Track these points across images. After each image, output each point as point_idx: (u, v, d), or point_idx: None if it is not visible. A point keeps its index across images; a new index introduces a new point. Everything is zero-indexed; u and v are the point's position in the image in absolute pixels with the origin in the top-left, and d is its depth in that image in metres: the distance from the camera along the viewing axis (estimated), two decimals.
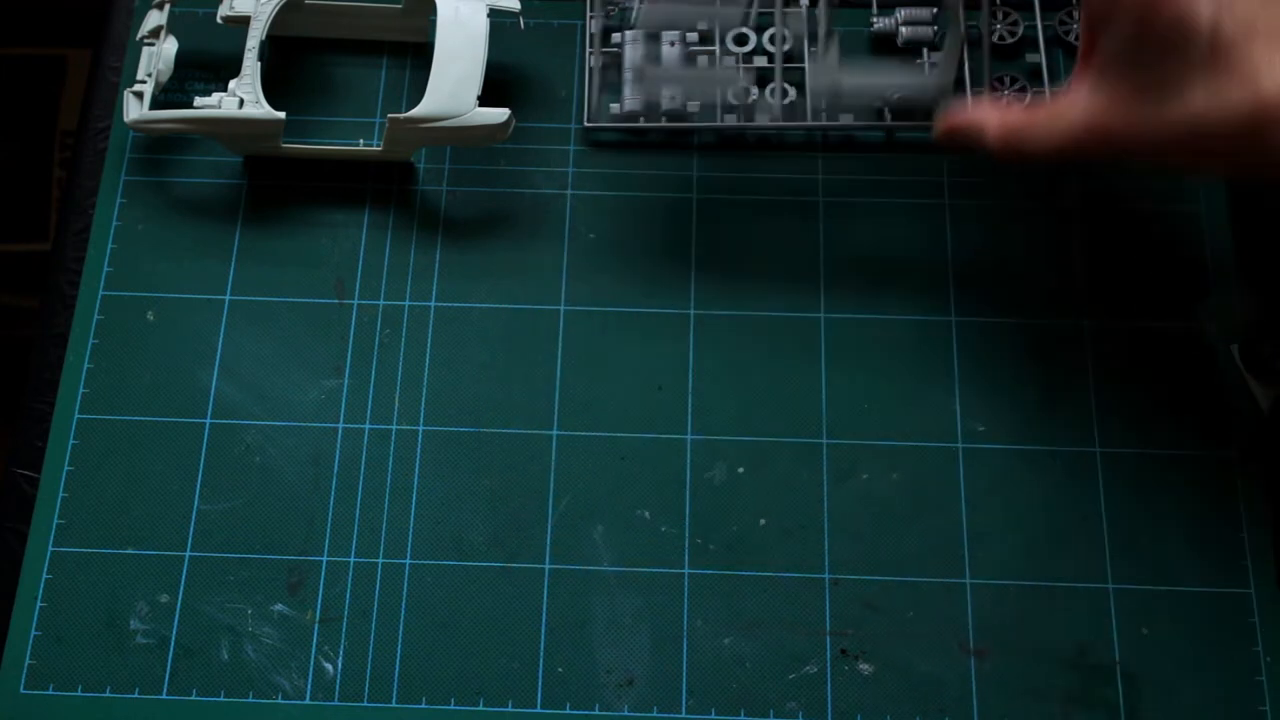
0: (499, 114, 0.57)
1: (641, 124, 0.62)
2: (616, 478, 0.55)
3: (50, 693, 0.52)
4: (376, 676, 0.52)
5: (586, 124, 0.62)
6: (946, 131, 0.53)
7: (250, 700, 0.52)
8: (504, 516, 0.54)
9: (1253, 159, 0.43)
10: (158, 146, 0.62)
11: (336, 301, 0.58)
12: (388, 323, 0.58)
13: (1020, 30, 0.63)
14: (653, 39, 0.63)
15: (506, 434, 0.56)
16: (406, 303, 0.58)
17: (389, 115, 0.57)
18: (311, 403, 0.56)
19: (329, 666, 0.52)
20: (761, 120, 0.62)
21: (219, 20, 0.60)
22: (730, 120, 0.62)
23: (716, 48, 0.63)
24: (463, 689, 0.52)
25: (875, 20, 0.63)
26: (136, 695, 0.52)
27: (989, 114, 0.50)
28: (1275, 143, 0.41)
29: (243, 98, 0.58)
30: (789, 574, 0.52)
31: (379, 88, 0.63)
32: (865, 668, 0.52)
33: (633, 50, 0.62)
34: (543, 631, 0.53)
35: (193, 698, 0.52)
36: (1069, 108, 0.47)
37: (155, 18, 0.60)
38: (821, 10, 0.60)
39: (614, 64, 0.62)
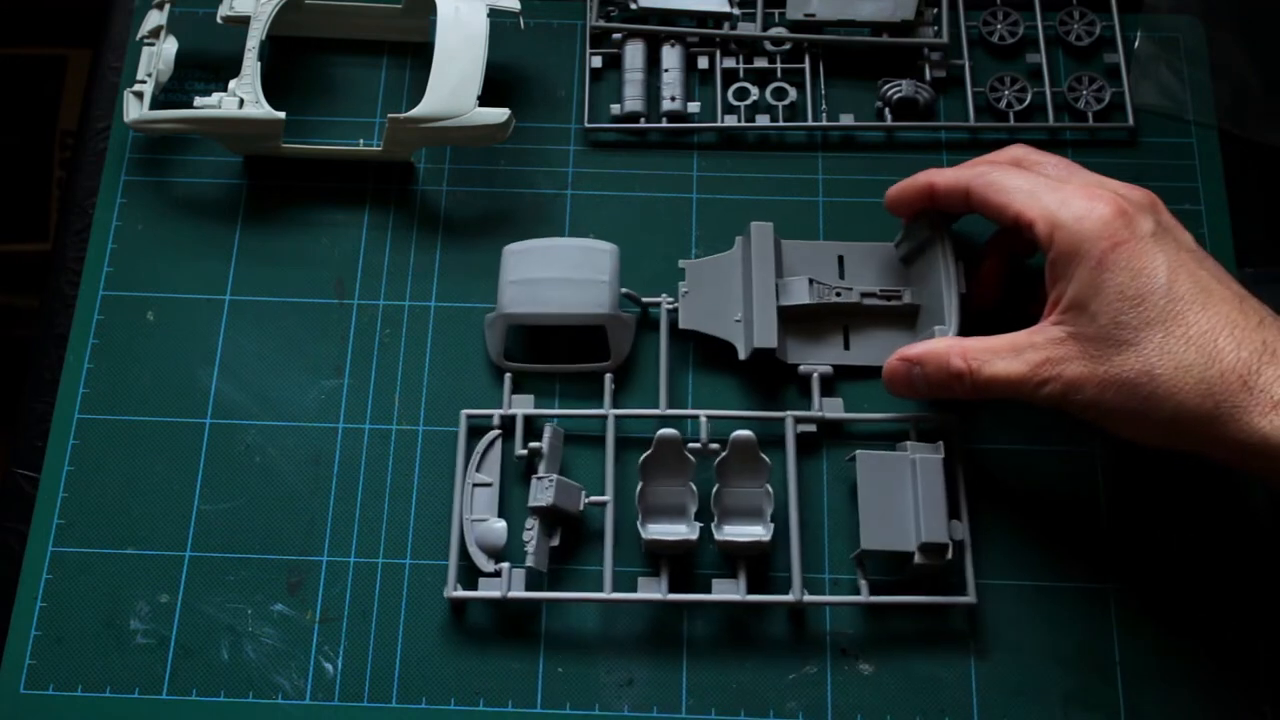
0: (499, 114, 0.57)
1: (641, 124, 0.62)
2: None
3: (50, 693, 0.52)
4: (376, 676, 0.52)
5: (586, 124, 0.62)
6: (898, 361, 0.52)
7: (250, 700, 0.52)
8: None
9: (1201, 430, 0.44)
10: (158, 146, 0.62)
11: (336, 301, 0.58)
12: (388, 323, 0.58)
13: (1020, 30, 0.63)
14: (652, 39, 0.63)
15: None
16: (406, 303, 0.58)
17: (389, 115, 0.57)
18: (311, 403, 0.57)
19: (329, 666, 0.52)
20: (761, 120, 0.62)
21: (219, 20, 0.60)
22: (730, 120, 0.62)
23: (716, 49, 0.63)
24: (463, 689, 0.52)
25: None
26: (136, 695, 0.52)
27: (943, 348, 0.50)
28: (1228, 416, 0.44)
29: (243, 98, 0.58)
30: (786, 574, 0.52)
31: (379, 88, 0.63)
32: (865, 668, 0.52)
33: (633, 51, 0.62)
34: (542, 631, 0.53)
35: (193, 698, 0.52)
36: (1028, 344, 0.48)
37: (155, 18, 0.60)
38: None
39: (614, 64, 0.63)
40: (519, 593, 0.52)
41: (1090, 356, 0.46)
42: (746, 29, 0.63)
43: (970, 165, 0.53)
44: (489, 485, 0.54)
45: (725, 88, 0.62)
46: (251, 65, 0.58)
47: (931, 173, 0.53)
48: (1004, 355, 0.48)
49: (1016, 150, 0.53)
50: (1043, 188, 0.49)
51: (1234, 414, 0.44)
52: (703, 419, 0.54)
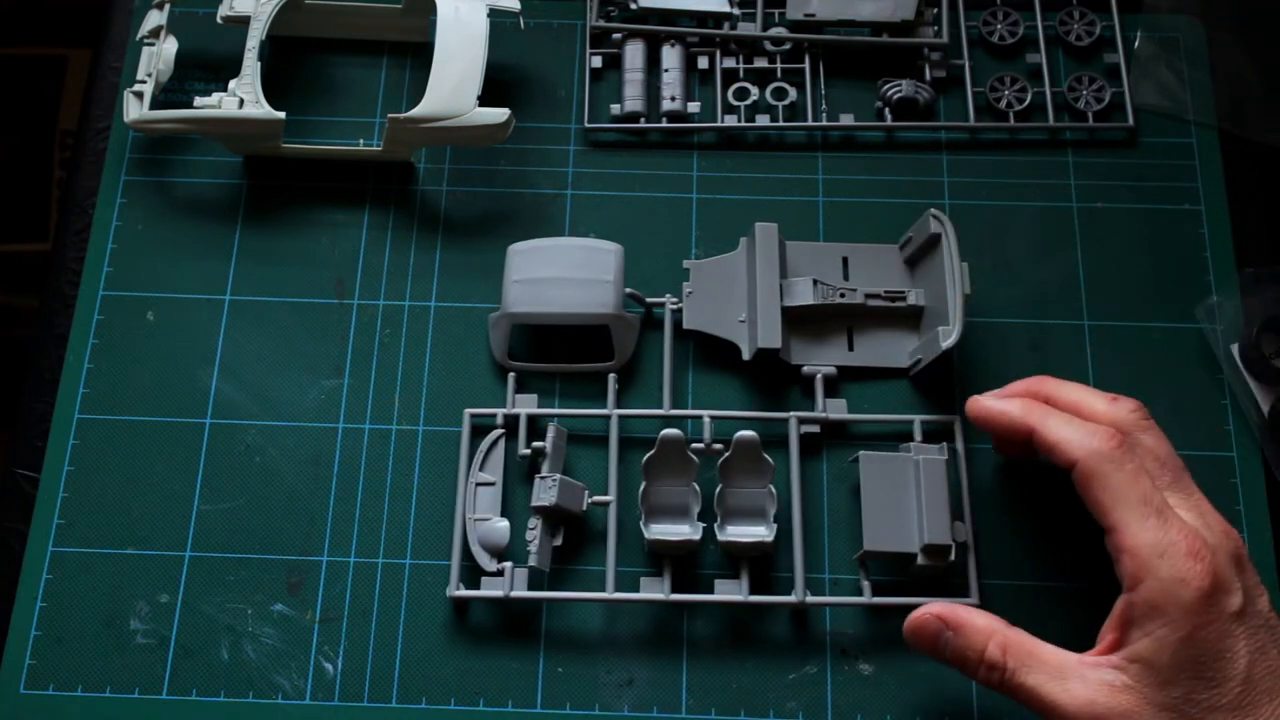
0: (499, 114, 0.57)
1: (641, 124, 0.62)
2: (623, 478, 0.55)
3: (50, 693, 0.52)
4: (376, 676, 0.52)
5: (586, 124, 0.62)
6: (931, 617, 0.48)
7: (250, 700, 0.51)
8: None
9: None
10: (158, 146, 0.61)
11: (336, 301, 0.58)
12: (388, 323, 0.58)
13: (1020, 30, 0.63)
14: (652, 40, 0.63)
15: None
16: (406, 303, 0.58)
17: (389, 115, 0.57)
18: (311, 403, 0.56)
19: (329, 666, 0.52)
20: (761, 120, 0.62)
21: (219, 20, 0.60)
22: (730, 120, 0.62)
23: (716, 49, 0.63)
24: (463, 689, 0.52)
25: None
26: (136, 695, 0.52)
27: (985, 627, 0.47)
28: None
29: (243, 98, 0.58)
30: (789, 574, 0.52)
31: (379, 88, 0.63)
32: (865, 668, 0.52)
33: (633, 51, 0.62)
34: (542, 631, 0.53)
35: (193, 698, 0.52)
36: (1078, 674, 0.45)
37: (155, 18, 0.60)
38: None
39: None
40: (522, 592, 0.52)
41: (1152, 711, 0.44)
42: (746, 29, 0.63)
43: (1082, 427, 0.47)
44: (492, 484, 0.54)
45: (725, 88, 0.62)
46: (251, 65, 0.58)
47: (1035, 413, 0.48)
48: (1048, 671, 0.45)
49: (1124, 411, 0.48)
50: (1152, 507, 0.45)
51: None
52: (706, 419, 0.54)
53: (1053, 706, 0.45)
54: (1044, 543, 0.54)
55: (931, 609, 0.48)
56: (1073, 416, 0.48)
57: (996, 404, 0.50)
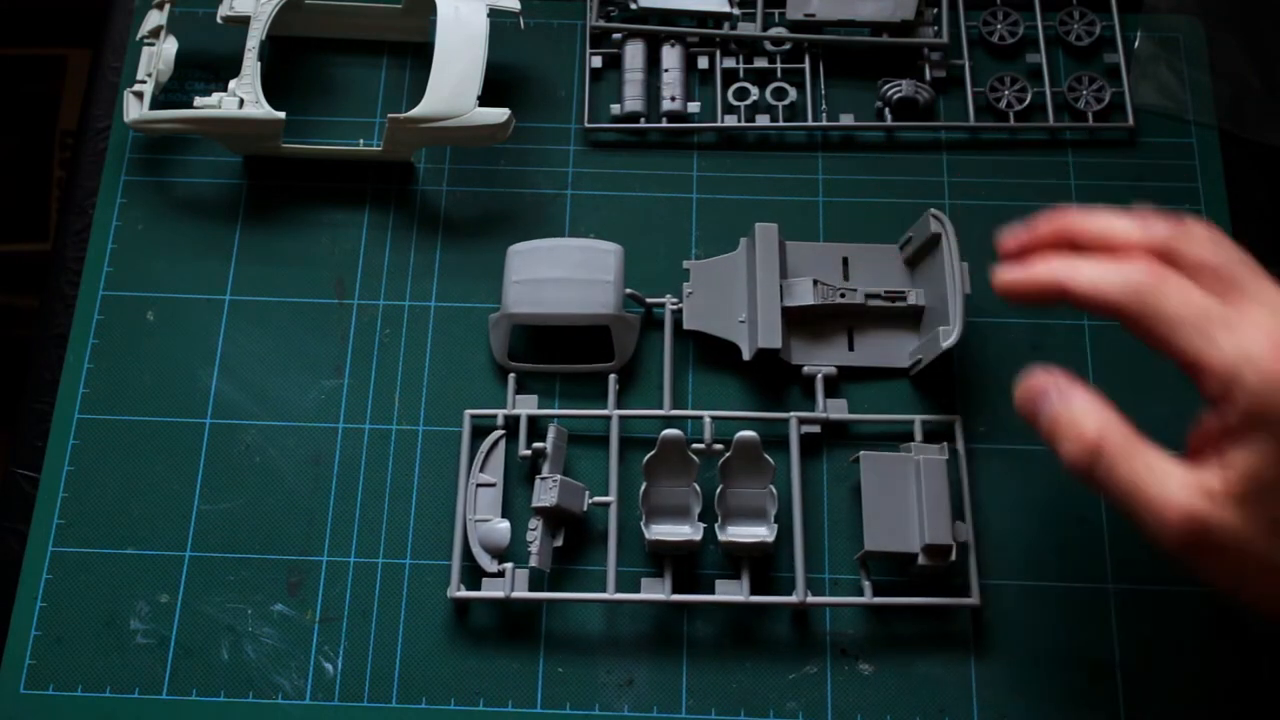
0: (499, 114, 0.57)
1: (641, 124, 0.62)
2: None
3: (50, 693, 0.52)
4: (376, 676, 0.52)
5: (586, 124, 0.62)
6: (1027, 388, 0.45)
7: (250, 700, 0.51)
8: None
9: None
10: (158, 146, 0.61)
11: (336, 301, 0.58)
12: (388, 323, 0.58)
13: (1020, 30, 0.63)
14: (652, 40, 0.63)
15: None
16: (406, 303, 0.58)
17: (389, 115, 0.57)
18: (311, 403, 0.56)
19: (329, 666, 0.52)
20: (761, 120, 0.62)
21: (219, 20, 0.60)
22: (730, 120, 0.62)
23: (716, 49, 0.63)
24: (463, 689, 0.52)
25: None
26: (136, 695, 0.52)
27: (1094, 406, 0.43)
28: None
29: (243, 98, 0.58)
30: (789, 574, 0.52)
31: (379, 88, 0.63)
32: (865, 668, 0.52)
33: (633, 51, 0.62)
34: (542, 631, 0.53)
35: (193, 698, 0.52)
36: (1178, 480, 0.40)
37: (155, 18, 0.60)
38: None
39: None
40: (523, 593, 0.52)
41: (1259, 538, 0.39)
42: (746, 29, 0.63)
43: (1113, 260, 0.44)
44: (492, 485, 0.54)
45: (725, 88, 0.62)
46: (251, 65, 0.58)
47: (1061, 268, 0.44)
48: (1151, 467, 0.41)
49: (1161, 230, 0.44)
50: (1215, 320, 0.40)
51: None
52: (706, 420, 0.54)
53: (1148, 504, 0.40)
54: (1044, 543, 0.54)
55: (1044, 376, 0.44)
56: (1101, 258, 0.44)
57: (1023, 275, 0.45)
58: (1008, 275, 0.46)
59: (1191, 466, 0.41)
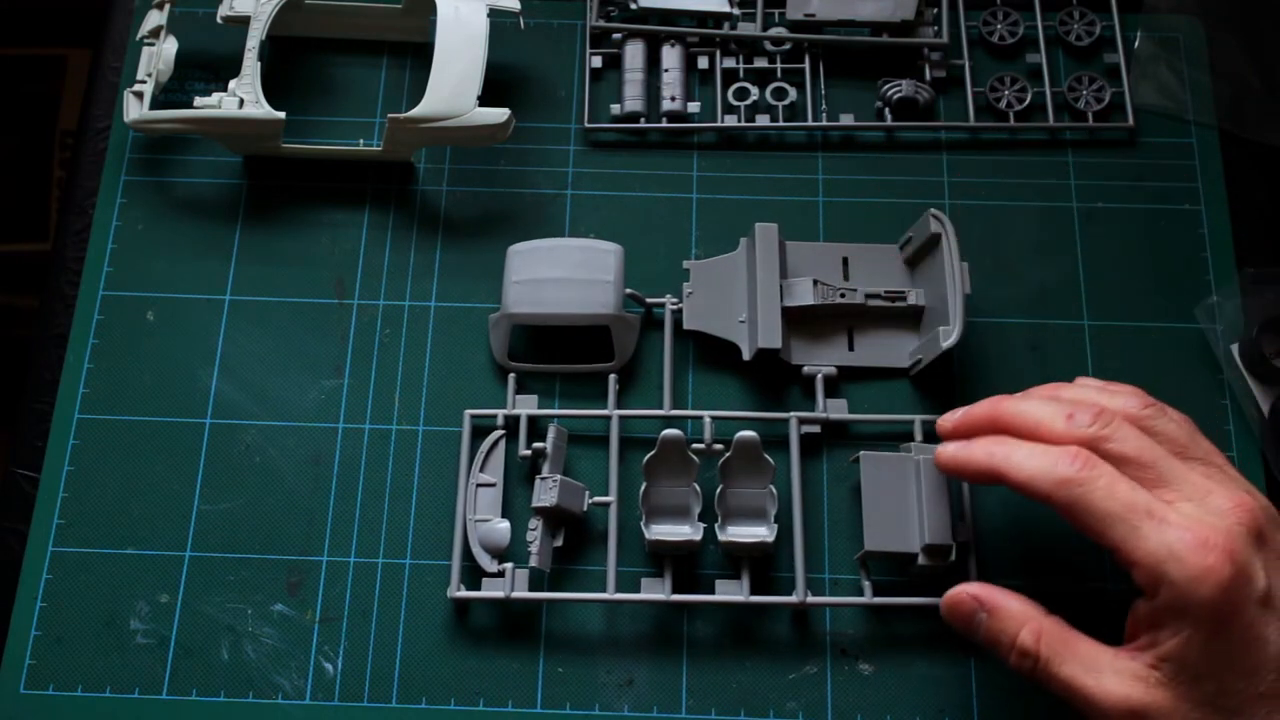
0: (499, 114, 0.57)
1: (641, 124, 0.62)
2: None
3: (50, 693, 0.52)
4: (376, 676, 0.52)
5: (586, 124, 0.62)
6: (967, 596, 0.47)
7: (250, 700, 0.51)
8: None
9: None
10: (158, 146, 0.61)
11: (336, 301, 0.58)
12: (388, 323, 0.58)
13: (1020, 30, 0.63)
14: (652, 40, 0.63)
15: None
16: (406, 303, 0.58)
17: (389, 115, 0.57)
18: (311, 403, 0.56)
19: (329, 666, 0.52)
20: (761, 120, 0.62)
21: (219, 20, 0.60)
22: (730, 120, 0.62)
23: (716, 49, 0.63)
24: (462, 689, 0.52)
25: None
26: (136, 695, 0.52)
27: (1020, 612, 0.46)
28: None
29: (243, 98, 0.58)
30: (789, 574, 0.52)
31: (379, 88, 0.63)
32: (865, 668, 0.52)
33: (633, 51, 0.62)
34: (542, 631, 0.53)
35: (193, 698, 0.52)
36: (1112, 668, 0.44)
37: (155, 18, 0.60)
38: None
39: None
40: (523, 593, 0.52)
41: (1194, 713, 0.42)
42: (746, 29, 0.63)
43: (1045, 449, 0.45)
44: (492, 485, 0.54)
45: (725, 88, 0.62)
46: (251, 65, 0.58)
47: (999, 454, 0.46)
48: (1083, 663, 0.44)
49: (1086, 426, 0.45)
50: (1140, 513, 0.43)
51: None
52: (706, 420, 0.54)
53: (1087, 700, 0.44)
54: (1044, 543, 0.54)
55: (969, 588, 0.47)
56: (1035, 445, 0.46)
57: (960, 453, 0.48)
58: (948, 451, 0.48)
59: (1125, 654, 0.44)
